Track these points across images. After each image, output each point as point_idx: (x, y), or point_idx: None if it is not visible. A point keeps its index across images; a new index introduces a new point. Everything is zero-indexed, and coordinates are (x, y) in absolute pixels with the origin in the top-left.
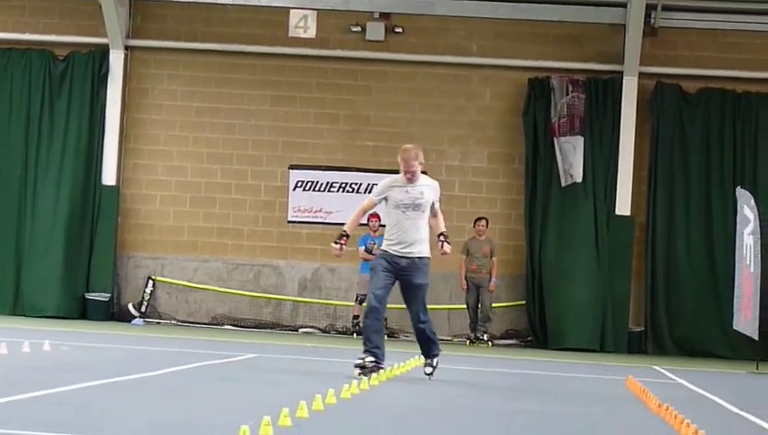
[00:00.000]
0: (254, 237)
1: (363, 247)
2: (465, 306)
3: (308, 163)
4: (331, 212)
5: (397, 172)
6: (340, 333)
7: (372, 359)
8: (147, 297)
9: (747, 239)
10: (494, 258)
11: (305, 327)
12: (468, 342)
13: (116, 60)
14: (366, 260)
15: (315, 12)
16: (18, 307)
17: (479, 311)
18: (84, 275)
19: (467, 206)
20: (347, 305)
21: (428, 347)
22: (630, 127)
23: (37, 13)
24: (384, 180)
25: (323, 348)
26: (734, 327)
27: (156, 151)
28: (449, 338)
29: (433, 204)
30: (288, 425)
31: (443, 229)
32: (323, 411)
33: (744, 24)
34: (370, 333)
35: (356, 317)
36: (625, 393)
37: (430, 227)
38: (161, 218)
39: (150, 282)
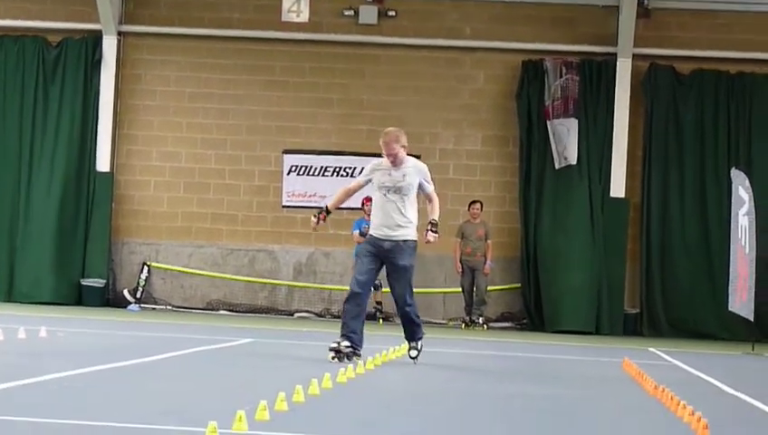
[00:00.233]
0: (249, 222)
1: (358, 231)
2: (460, 290)
3: (302, 148)
4: (325, 196)
5: None
6: (335, 317)
7: (348, 344)
8: (142, 283)
9: (742, 220)
10: (488, 241)
11: (300, 312)
12: (464, 325)
13: (109, 46)
14: (360, 244)
15: None
16: (13, 294)
17: (474, 294)
18: (79, 261)
19: (461, 189)
20: (342, 290)
21: (412, 330)
22: (624, 109)
23: None
24: (371, 163)
25: (319, 332)
26: (730, 308)
27: (150, 137)
28: (444, 321)
29: (422, 187)
30: (284, 409)
31: (434, 217)
32: (319, 396)
33: (738, 4)
34: (349, 318)
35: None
36: (621, 375)
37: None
38: (155, 204)
39: (145, 268)
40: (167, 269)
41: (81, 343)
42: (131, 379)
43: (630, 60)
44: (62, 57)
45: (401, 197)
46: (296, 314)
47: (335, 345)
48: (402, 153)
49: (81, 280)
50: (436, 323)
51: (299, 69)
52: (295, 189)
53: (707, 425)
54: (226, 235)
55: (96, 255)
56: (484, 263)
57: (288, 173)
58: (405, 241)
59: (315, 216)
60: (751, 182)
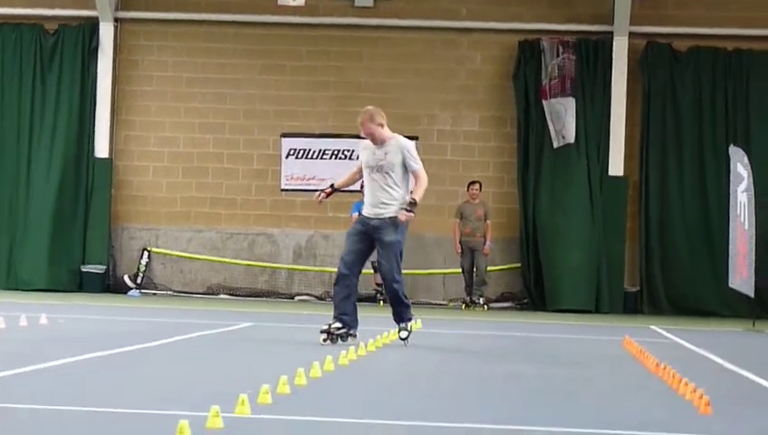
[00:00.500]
0: (248, 206)
1: (357, 213)
2: (460, 270)
3: (300, 131)
4: (324, 179)
5: None
6: None
7: (339, 325)
8: (142, 269)
9: (741, 197)
10: (488, 221)
11: (301, 295)
12: (464, 306)
13: (106, 32)
14: None
15: None
16: (12, 281)
17: (474, 274)
18: (79, 247)
19: (460, 170)
20: None
21: (401, 311)
22: (622, 87)
23: None
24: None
25: (319, 315)
26: (730, 285)
27: (148, 123)
28: (445, 302)
29: (407, 164)
30: (287, 392)
31: (414, 196)
32: (321, 378)
33: None
34: (338, 300)
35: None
36: (622, 354)
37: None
38: (154, 189)
39: (145, 253)
40: (166, 254)
41: (81, 330)
42: (133, 364)
43: (627, 38)
44: (59, 44)
45: (383, 175)
46: (296, 298)
47: (326, 327)
48: (380, 131)
49: (82, 266)
50: (436, 305)
51: (296, 52)
52: (294, 173)
53: (709, 402)
54: (226, 219)
55: (96, 241)
56: (484, 243)
57: (286, 157)
58: (392, 218)
59: (322, 190)
60: (749, 159)
